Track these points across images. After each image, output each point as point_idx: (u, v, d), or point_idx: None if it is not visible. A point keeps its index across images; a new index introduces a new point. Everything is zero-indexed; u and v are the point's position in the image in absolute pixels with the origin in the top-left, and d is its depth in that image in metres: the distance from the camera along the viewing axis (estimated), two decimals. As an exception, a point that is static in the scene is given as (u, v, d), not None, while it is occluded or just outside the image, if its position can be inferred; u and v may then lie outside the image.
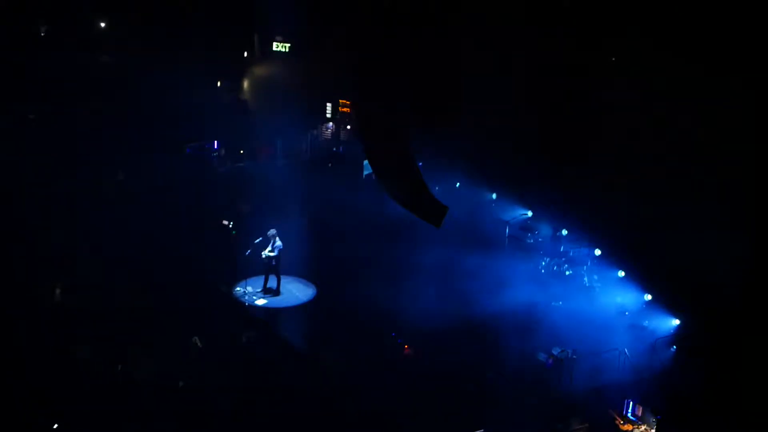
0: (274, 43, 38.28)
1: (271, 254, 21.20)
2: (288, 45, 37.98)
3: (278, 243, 21.26)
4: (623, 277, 21.69)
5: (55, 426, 14.85)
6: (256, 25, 37.33)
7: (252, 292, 21.58)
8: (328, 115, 37.40)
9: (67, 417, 15.02)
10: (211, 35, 32.61)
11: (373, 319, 19.93)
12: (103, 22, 34.71)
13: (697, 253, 18.69)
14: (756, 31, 18.36)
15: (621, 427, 16.64)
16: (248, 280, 21.75)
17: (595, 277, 22.43)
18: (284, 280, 22.10)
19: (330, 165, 33.03)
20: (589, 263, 22.85)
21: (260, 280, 21.78)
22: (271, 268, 21.54)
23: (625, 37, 22.52)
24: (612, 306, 21.14)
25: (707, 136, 19.77)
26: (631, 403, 16.76)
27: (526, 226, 25.54)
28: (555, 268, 23.41)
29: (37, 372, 16.41)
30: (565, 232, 24.18)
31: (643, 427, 16.45)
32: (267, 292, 21.65)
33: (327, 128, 36.81)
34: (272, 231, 21.31)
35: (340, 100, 36.61)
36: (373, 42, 11.67)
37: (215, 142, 33.15)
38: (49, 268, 21.09)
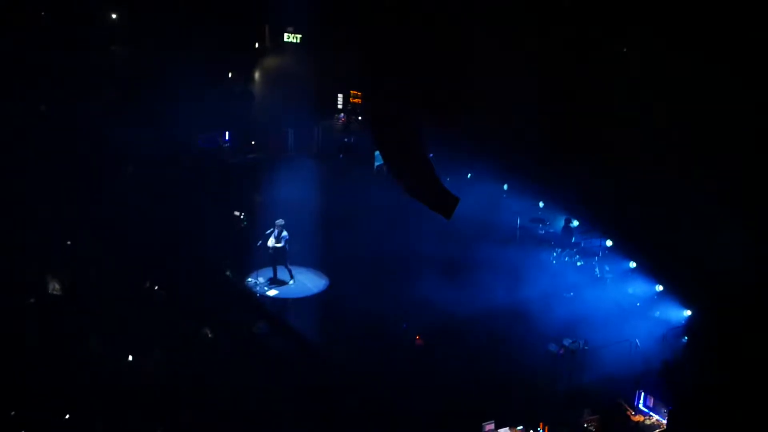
0: (286, 34, 38.19)
1: (278, 245, 21.23)
2: (299, 36, 37.89)
3: (285, 234, 21.28)
4: (634, 268, 21.65)
5: (67, 416, 14.97)
6: (268, 15, 37.26)
7: (263, 283, 21.64)
8: (340, 106, 37.40)
9: (77, 408, 15.12)
10: (222, 26, 32.57)
11: (384, 310, 19.95)
12: (113, 13, 34.69)
13: (709, 244, 18.62)
14: (759, 30, 18.21)
15: (632, 418, 16.62)
16: (259, 271, 21.81)
17: (607, 268, 22.38)
18: (296, 271, 22.14)
19: (341, 156, 32.99)
20: (600, 254, 22.80)
21: (271, 270, 21.83)
22: (278, 259, 21.55)
23: (627, 36, 22.44)
24: (623, 297, 21.11)
25: (716, 131, 19.65)
26: (642, 394, 16.75)
27: (537, 218, 25.52)
28: (566, 259, 23.40)
29: (46, 364, 16.44)
30: (576, 223, 24.13)
31: (654, 418, 16.43)
32: (277, 282, 21.69)
33: (338, 119, 36.80)
34: (280, 221, 21.34)
35: (352, 91, 36.57)
36: (384, 36, 11.68)
37: (226, 133, 33.21)
38: (58, 259, 21.15)
